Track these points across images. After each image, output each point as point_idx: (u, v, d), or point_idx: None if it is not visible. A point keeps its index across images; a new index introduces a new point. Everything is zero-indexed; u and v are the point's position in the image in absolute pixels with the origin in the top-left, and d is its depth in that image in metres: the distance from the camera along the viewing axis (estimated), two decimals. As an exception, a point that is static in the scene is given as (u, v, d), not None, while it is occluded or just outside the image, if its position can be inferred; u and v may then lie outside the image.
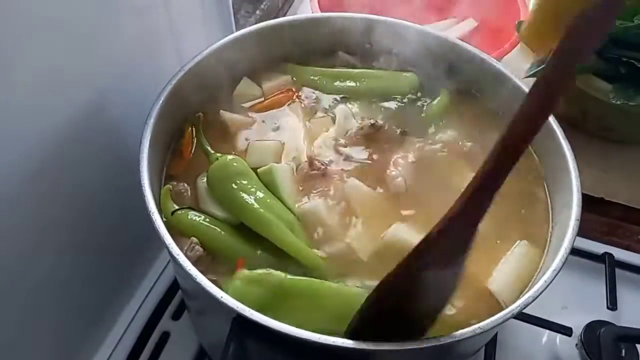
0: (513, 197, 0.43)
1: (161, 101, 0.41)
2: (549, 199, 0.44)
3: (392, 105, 0.50)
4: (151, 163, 0.38)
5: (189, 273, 0.33)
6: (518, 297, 0.36)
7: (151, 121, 0.40)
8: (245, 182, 0.40)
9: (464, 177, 0.43)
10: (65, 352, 0.48)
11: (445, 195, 0.32)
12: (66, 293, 0.45)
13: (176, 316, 0.54)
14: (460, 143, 0.47)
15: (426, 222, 0.32)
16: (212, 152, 0.43)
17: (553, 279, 0.34)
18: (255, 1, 0.76)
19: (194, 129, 0.45)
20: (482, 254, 0.39)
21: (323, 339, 0.31)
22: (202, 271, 0.33)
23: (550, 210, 0.43)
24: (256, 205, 0.38)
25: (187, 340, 0.53)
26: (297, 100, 0.49)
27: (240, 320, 0.32)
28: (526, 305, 0.33)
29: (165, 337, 0.53)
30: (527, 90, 0.46)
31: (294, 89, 0.50)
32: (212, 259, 0.38)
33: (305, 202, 0.41)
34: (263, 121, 0.48)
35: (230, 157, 0.41)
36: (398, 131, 0.47)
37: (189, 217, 0.39)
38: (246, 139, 0.46)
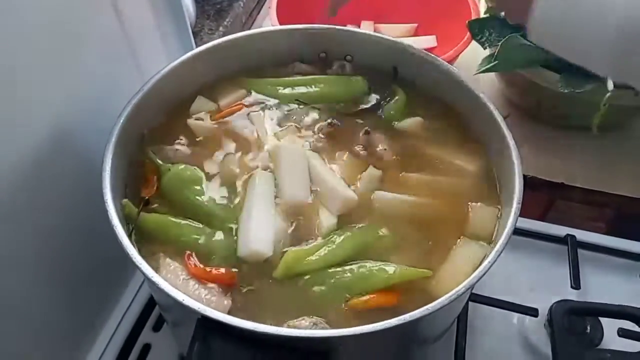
0: (458, 195, 0.46)
1: (121, 121, 0.43)
2: (498, 192, 0.46)
3: (348, 109, 0.53)
4: (114, 181, 0.40)
5: (153, 280, 0.35)
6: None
7: (113, 139, 0.42)
8: (196, 187, 0.44)
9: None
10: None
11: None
12: (45, 314, 0.46)
13: (156, 328, 0.56)
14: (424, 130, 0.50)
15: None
16: (161, 164, 0.45)
17: (497, 258, 0.36)
18: (218, 18, 0.79)
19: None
20: (426, 257, 0.41)
21: (283, 332, 0.33)
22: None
23: (499, 202, 0.45)
24: (208, 204, 0.43)
25: (168, 350, 0.54)
26: (250, 109, 0.52)
27: (204, 321, 0.33)
28: (471, 286, 0.35)
29: (146, 348, 0.55)
30: (471, 86, 0.49)
31: (247, 101, 0.52)
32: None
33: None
34: (222, 128, 0.50)
35: (181, 166, 0.45)
36: (361, 132, 0.50)
37: (153, 216, 0.43)
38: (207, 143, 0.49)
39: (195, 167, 0.46)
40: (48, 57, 0.41)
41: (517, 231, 0.45)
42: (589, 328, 0.55)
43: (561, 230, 0.63)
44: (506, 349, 0.56)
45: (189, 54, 0.50)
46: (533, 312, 0.55)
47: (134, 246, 0.37)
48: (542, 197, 0.70)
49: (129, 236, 0.40)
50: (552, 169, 0.68)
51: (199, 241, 0.41)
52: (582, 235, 0.63)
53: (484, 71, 0.62)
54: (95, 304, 0.54)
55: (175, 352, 0.54)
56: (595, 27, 0.38)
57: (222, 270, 0.39)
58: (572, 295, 0.58)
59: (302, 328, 0.35)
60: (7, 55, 0.37)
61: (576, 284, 0.58)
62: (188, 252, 0.40)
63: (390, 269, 0.39)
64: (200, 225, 0.42)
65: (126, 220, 0.41)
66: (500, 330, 0.57)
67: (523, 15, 0.42)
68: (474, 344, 0.55)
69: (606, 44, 0.38)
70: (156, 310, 0.57)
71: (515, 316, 0.57)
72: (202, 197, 0.44)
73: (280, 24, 0.70)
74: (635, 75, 0.40)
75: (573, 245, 0.61)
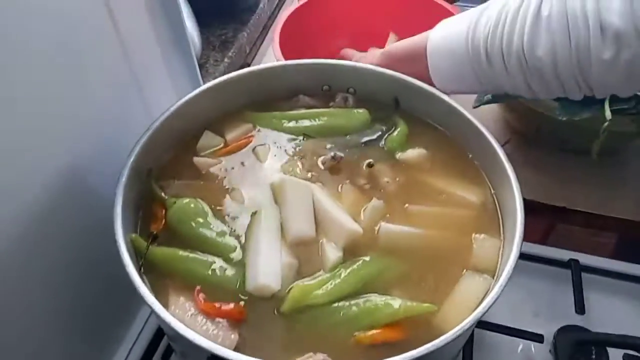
0: (462, 227, 0.46)
1: (131, 159, 0.44)
2: (500, 222, 0.47)
3: (351, 142, 0.54)
4: (125, 217, 0.42)
5: (164, 319, 0.36)
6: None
7: (123, 179, 0.43)
8: (201, 220, 0.45)
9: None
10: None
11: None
12: (55, 347, 0.47)
13: (165, 357, 0.56)
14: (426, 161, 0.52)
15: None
16: (167, 197, 0.46)
17: (501, 292, 0.37)
18: (223, 49, 0.81)
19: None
20: (430, 290, 0.42)
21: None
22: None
23: (502, 233, 0.46)
24: (215, 237, 0.44)
25: (177, 381, 0.55)
26: (256, 143, 0.53)
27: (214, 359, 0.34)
28: (476, 321, 0.36)
29: (156, 379, 0.55)
30: (471, 117, 0.50)
31: (253, 135, 0.54)
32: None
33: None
34: (228, 163, 0.51)
35: (185, 200, 0.46)
36: (364, 164, 0.51)
37: (162, 251, 0.44)
38: (214, 177, 0.50)
39: (200, 201, 0.47)
40: (54, 94, 0.42)
41: (520, 255, 0.46)
42: (594, 354, 0.55)
43: (564, 254, 0.63)
44: (513, 376, 0.56)
45: (197, 91, 0.52)
46: (538, 338, 0.56)
47: (143, 281, 0.38)
48: (543, 221, 0.71)
49: (139, 271, 0.40)
50: (553, 192, 0.69)
51: (206, 274, 0.42)
52: (585, 259, 0.63)
53: (481, 105, 0.63)
54: (104, 335, 0.55)
55: (184, 383, 0.54)
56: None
57: (231, 305, 0.40)
58: (577, 320, 0.58)
59: (309, 365, 0.36)
60: (13, 89, 0.38)
61: (580, 308, 0.59)
62: (198, 287, 0.41)
63: (396, 303, 0.39)
64: (207, 259, 0.43)
65: (135, 254, 0.43)
66: (506, 357, 0.57)
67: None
68: (480, 371, 0.55)
69: None
70: (164, 341, 0.57)
71: (521, 342, 0.57)
72: (208, 230, 0.45)
73: (283, 55, 0.71)
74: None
75: (577, 269, 0.62)
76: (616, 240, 0.71)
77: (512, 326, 0.56)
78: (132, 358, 0.56)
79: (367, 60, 0.60)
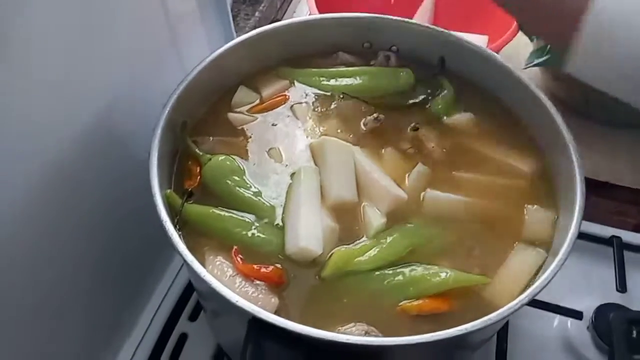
0: (513, 197, 0.44)
1: (167, 111, 0.42)
2: (554, 193, 0.44)
3: (394, 103, 0.51)
4: (160, 171, 0.40)
5: (204, 279, 0.34)
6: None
7: (158, 132, 0.41)
8: (237, 178, 0.43)
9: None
10: (89, 355, 0.49)
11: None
12: (86, 300, 0.46)
13: (193, 317, 0.56)
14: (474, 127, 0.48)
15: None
16: (201, 154, 0.44)
17: (560, 267, 0.35)
18: (254, 3, 0.77)
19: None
20: (479, 261, 0.40)
21: (339, 338, 0.32)
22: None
23: (556, 205, 0.43)
24: (251, 196, 0.42)
25: (204, 340, 0.54)
26: (293, 101, 0.50)
27: (256, 322, 0.33)
28: (534, 296, 0.34)
29: (183, 338, 0.54)
30: (526, 80, 0.47)
31: (290, 92, 0.51)
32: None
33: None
34: (265, 120, 0.49)
35: (221, 157, 0.44)
36: (409, 128, 0.48)
37: (197, 209, 0.42)
38: (250, 135, 0.48)
39: (236, 158, 0.45)
40: (86, 44, 0.40)
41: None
42: (635, 333, 0.53)
43: (606, 231, 0.61)
44: (548, 352, 0.54)
45: (232, 43, 0.49)
46: (577, 315, 0.54)
47: (181, 241, 0.37)
48: (586, 196, 0.68)
49: (175, 228, 0.39)
50: (597, 167, 0.66)
51: (244, 234, 0.40)
52: (628, 236, 0.60)
53: (534, 65, 0.59)
54: (133, 290, 0.54)
55: (212, 342, 0.54)
56: None
57: (270, 268, 0.38)
58: (617, 298, 0.56)
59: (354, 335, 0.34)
60: (44, 39, 0.36)
61: (622, 286, 0.56)
62: (235, 247, 0.39)
63: (444, 273, 0.37)
64: (245, 218, 0.41)
65: (170, 211, 0.41)
66: (540, 332, 0.55)
67: (559, 43, 0.37)
68: (514, 347, 0.54)
69: None
70: (192, 300, 0.57)
71: (556, 318, 0.56)
72: (244, 189, 0.43)
73: (318, 9, 0.68)
74: None
75: (619, 246, 0.59)
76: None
77: (548, 301, 0.55)
78: (159, 319, 0.55)
79: None
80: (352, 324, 0.36)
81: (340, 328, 0.36)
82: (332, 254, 0.39)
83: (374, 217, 0.41)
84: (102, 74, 0.42)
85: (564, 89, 0.70)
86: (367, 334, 0.34)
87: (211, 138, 0.46)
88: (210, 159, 0.44)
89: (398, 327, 0.36)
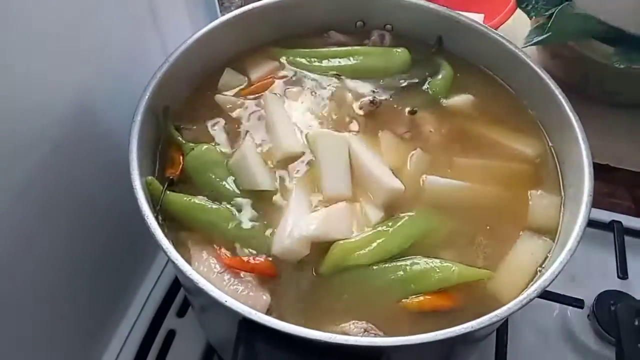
0: (516, 182, 0.42)
1: (147, 96, 0.39)
2: (559, 178, 0.42)
3: (390, 85, 0.48)
4: (141, 159, 0.37)
5: (191, 278, 0.31)
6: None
7: (138, 118, 0.38)
8: (219, 170, 0.40)
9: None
10: (76, 353, 0.47)
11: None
12: (70, 296, 0.44)
13: (181, 313, 0.53)
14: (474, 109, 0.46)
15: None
16: (184, 142, 0.42)
17: (570, 258, 0.33)
18: (239, -19, 0.73)
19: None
20: (482, 252, 0.38)
21: (332, 338, 0.30)
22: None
23: (561, 190, 0.41)
24: (231, 189, 0.39)
25: (193, 337, 0.52)
26: (283, 83, 0.47)
27: (247, 323, 0.30)
28: (543, 290, 0.32)
29: (171, 335, 0.52)
30: (528, 59, 0.44)
31: (280, 74, 0.48)
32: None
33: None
34: (254, 105, 0.46)
35: (204, 146, 0.41)
36: (406, 111, 0.45)
37: (180, 198, 0.39)
38: (240, 118, 0.45)
39: (219, 147, 0.42)
40: (63, 22, 0.37)
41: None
42: (637, 321, 0.52)
43: (606, 216, 0.59)
44: (548, 340, 0.53)
45: (217, 21, 0.46)
46: (578, 303, 0.52)
47: (162, 230, 0.34)
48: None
49: (156, 218, 0.36)
50: (596, 149, 0.64)
51: (229, 228, 0.38)
52: (628, 221, 0.59)
53: (535, 43, 0.57)
54: (117, 290, 0.52)
55: (201, 339, 0.52)
56: None
57: (261, 258, 0.36)
58: (618, 285, 0.54)
59: (352, 334, 0.32)
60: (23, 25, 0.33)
61: (623, 273, 0.55)
62: (219, 243, 0.37)
63: (450, 267, 0.35)
64: (232, 211, 0.39)
65: (152, 200, 0.38)
66: (541, 321, 0.54)
67: None
68: (514, 336, 0.52)
69: None
70: (179, 296, 0.54)
71: (557, 306, 0.54)
72: (227, 181, 0.40)
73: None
74: None
75: (619, 231, 0.58)
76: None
77: (549, 289, 0.53)
78: (145, 315, 0.53)
79: None
80: (351, 322, 0.33)
81: (337, 326, 0.33)
82: (332, 249, 0.36)
83: (372, 211, 0.39)
84: (80, 59, 0.40)
85: (563, 68, 0.68)
86: (366, 332, 0.32)
87: (193, 124, 0.43)
88: (192, 149, 0.41)
89: (398, 324, 0.34)
